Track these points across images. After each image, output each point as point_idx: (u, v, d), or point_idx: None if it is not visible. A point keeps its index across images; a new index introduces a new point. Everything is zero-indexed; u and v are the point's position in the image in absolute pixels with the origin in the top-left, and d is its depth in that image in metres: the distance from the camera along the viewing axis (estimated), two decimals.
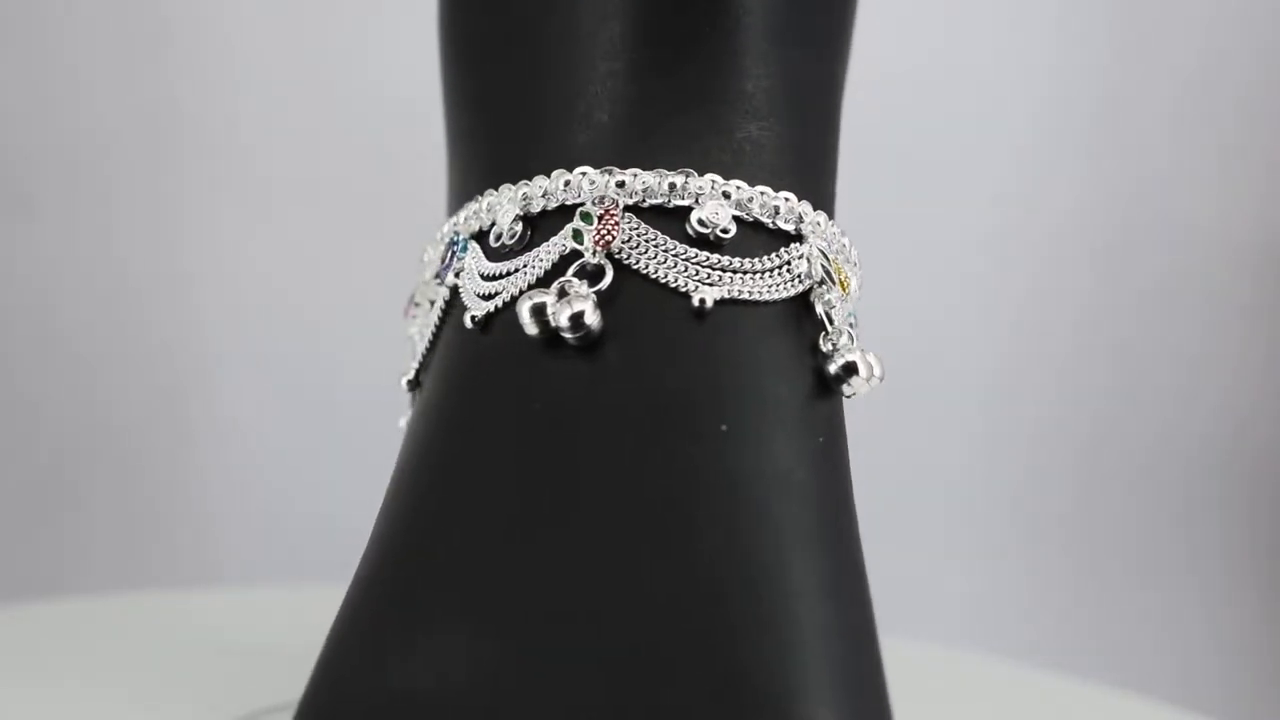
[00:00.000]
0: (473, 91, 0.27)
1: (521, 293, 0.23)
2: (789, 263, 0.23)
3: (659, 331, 0.23)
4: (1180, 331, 0.78)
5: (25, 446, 0.66)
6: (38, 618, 0.41)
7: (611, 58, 0.24)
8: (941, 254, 0.75)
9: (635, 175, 0.23)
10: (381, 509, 0.24)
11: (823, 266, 0.24)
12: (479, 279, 0.24)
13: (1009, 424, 0.77)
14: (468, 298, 0.24)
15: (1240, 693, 0.78)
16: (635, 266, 0.23)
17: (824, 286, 0.24)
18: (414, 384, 0.26)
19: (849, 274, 0.25)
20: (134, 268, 0.66)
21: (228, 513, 0.68)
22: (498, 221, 0.24)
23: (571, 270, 0.23)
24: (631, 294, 0.23)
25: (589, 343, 0.22)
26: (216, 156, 0.67)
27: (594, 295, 0.22)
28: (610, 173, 0.23)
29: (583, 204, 0.23)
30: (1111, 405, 0.78)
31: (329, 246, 0.68)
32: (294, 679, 0.35)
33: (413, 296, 0.28)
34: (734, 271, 0.23)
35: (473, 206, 0.25)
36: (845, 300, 0.24)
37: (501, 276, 0.24)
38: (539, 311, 0.22)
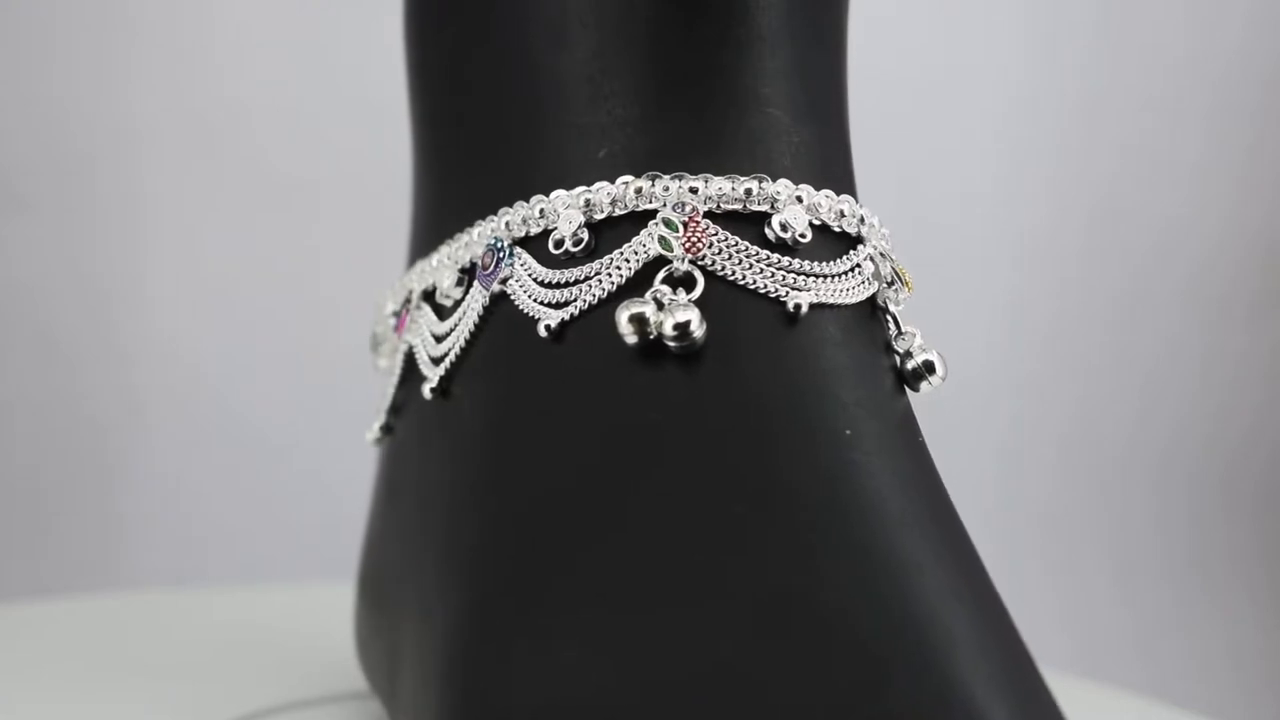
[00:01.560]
0: (484, 100, 0.26)
1: (600, 301, 0.23)
2: (858, 265, 0.23)
3: (752, 337, 0.22)
4: (1152, 335, 0.78)
5: (12, 446, 0.66)
6: (36, 617, 0.41)
7: (661, 59, 0.23)
8: (936, 254, 0.75)
9: (708, 181, 0.23)
10: (451, 517, 0.24)
11: (891, 268, 0.24)
12: (537, 286, 0.24)
13: (997, 423, 0.77)
14: (526, 305, 0.24)
15: (1239, 692, 0.78)
16: (721, 273, 0.22)
17: (893, 287, 0.24)
18: (439, 392, 0.25)
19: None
20: (122, 268, 0.66)
21: (223, 512, 0.68)
22: (560, 228, 0.23)
23: (660, 278, 0.22)
24: (718, 301, 0.22)
25: (690, 351, 0.22)
26: (210, 157, 0.67)
27: (693, 304, 0.22)
28: (682, 178, 0.23)
29: (654, 210, 0.23)
30: (1090, 407, 0.78)
31: (324, 245, 0.68)
32: (294, 679, 0.35)
33: (408, 301, 0.28)
34: (816, 276, 0.23)
35: (519, 212, 0.24)
36: (908, 299, 0.24)
37: (569, 284, 0.23)
38: (640, 321, 0.22)
